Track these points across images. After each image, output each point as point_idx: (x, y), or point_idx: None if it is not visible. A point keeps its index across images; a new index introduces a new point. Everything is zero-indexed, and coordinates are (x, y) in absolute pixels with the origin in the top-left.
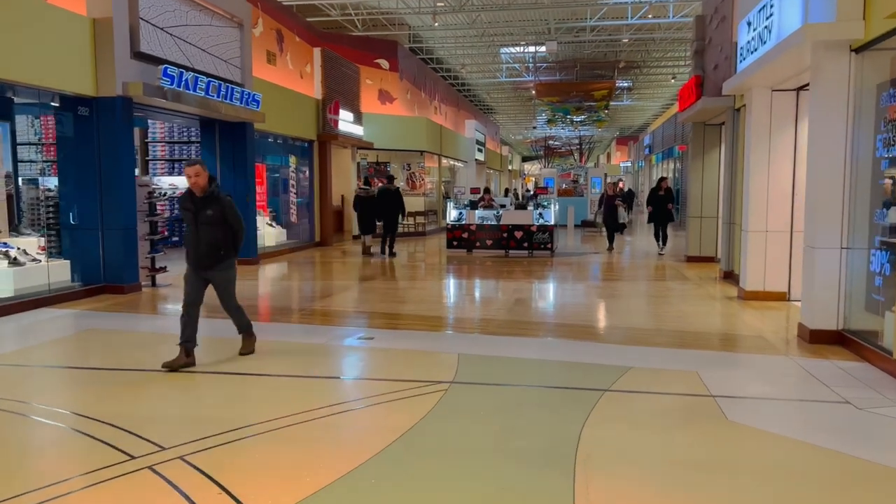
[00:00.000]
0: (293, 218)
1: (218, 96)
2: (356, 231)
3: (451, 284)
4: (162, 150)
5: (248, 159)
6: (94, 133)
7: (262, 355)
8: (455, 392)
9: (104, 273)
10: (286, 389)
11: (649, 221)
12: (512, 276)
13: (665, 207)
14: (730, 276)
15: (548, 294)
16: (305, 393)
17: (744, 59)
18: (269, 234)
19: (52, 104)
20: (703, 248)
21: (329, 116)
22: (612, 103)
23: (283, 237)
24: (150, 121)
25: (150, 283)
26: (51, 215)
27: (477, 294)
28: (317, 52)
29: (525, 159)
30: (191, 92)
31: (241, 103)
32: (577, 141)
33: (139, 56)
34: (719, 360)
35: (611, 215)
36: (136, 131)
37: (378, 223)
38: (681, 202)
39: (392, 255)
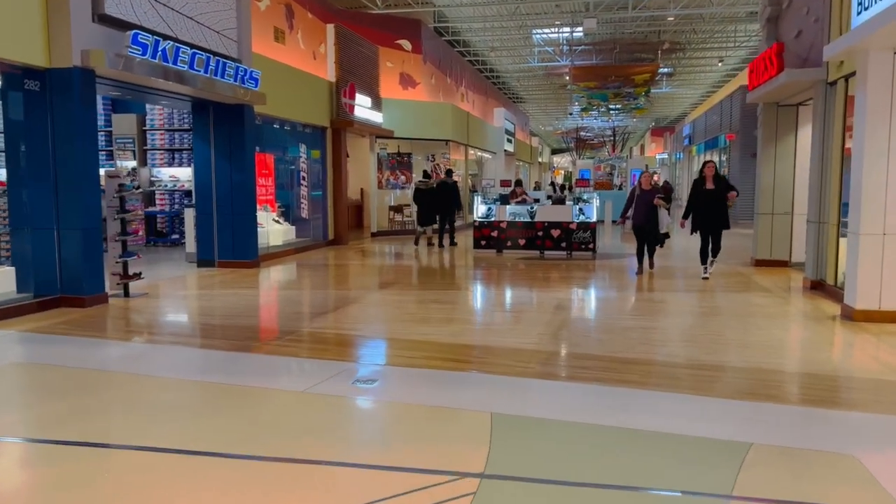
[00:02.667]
0: (304, 213)
1: (206, 72)
2: (375, 227)
3: (479, 296)
4: (161, 139)
5: (246, 147)
6: (47, 112)
7: (198, 411)
8: (487, 501)
9: (61, 282)
10: (188, 480)
11: (694, 230)
12: (551, 285)
13: (717, 206)
14: (819, 287)
15: (598, 311)
16: (231, 489)
17: (864, 10)
18: (274, 231)
19: None
20: (775, 251)
21: (344, 101)
22: (652, 90)
23: (292, 235)
24: (147, 106)
25: (122, 293)
26: None
27: (511, 310)
28: (330, 28)
29: (554, 151)
30: (170, 65)
31: (236, 81)
32: (609, 132)
33: (103, 19)
34: (873, 427)
35: (647, 220)
36: (133, 117)
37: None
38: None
39: (452, 244)
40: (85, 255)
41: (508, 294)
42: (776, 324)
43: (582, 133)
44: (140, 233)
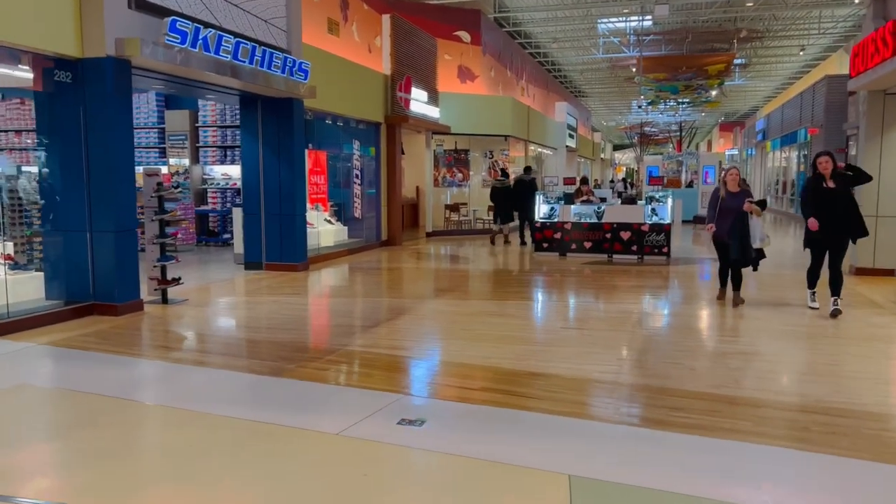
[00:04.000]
0: (357, 213)
1: (251, 62)
2: (431, 227)
3: (542, 307)
4: (213, 136)
5: (295, 143)
6: (79, 106)
7: (205, 464)
8: None
9: (94, 288)
10: None
11: (808, 244)
12: (624, 295)
13: (842, 212)
14: None
15: (684, 330)
16: None
17: None
18: (326, 232)
19: (21, 68)
20: (879, 259)
21: (399, 95)
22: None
23: (344, 236)
24: (200, 101)
25: (161, 300)
26: (25, 215)
27: (580, 326)
28: (385, 19)
29: (616, 148)
30: (211, 54)
31: (284, 73)
32: (675, 127)
33: (140, 5)
34: None
35: (735, 234)
36: (186, 113)
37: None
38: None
39: (522, 244)
40: (118, 259)
41: (576, 305)
42: None
43: (646, 128)
44: (179, 235)
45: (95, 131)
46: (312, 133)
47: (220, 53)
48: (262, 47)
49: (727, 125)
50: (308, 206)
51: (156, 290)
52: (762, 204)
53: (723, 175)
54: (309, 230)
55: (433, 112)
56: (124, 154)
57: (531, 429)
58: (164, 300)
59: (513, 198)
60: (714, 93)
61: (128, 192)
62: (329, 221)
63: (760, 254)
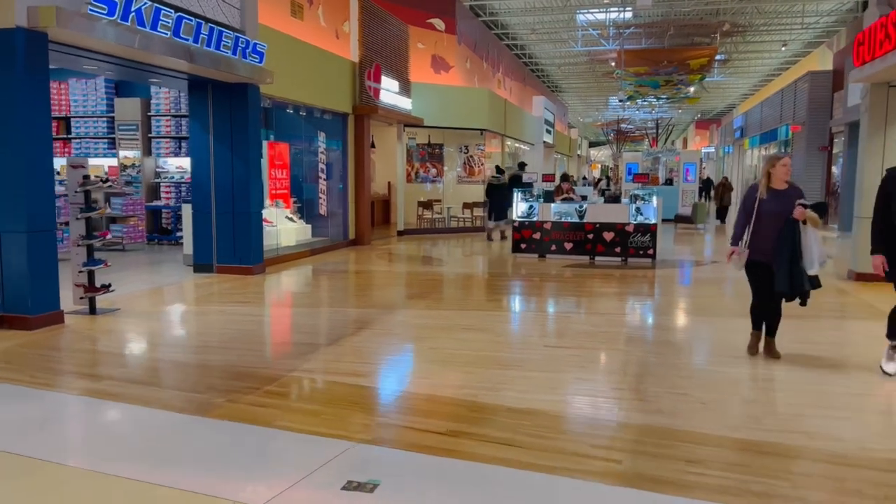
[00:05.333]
0: (322, 210)
1: (196, 41)
2: (402, 225)
3: (522, 320)
4: (167, 126)
5: (250, 133)
6: None
7: None
8: None
9: (3, 298)
10: None
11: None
12: (612, 304)
13: None
14: None
15: (685, 348)
16: None
17: None
18: (286, 231)
19: None
20: None
21: (368, 84)
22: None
23: (307, 235)
24: (153, 89)
25: (88, 310)
26: None
27: (567, 344)
28: (353, 1)
29: (592, 144)
30: (147, 30)
31: (235, 54)
32: (651, 124)
33: None
34: None
35: (784, 252)
36: (137, 101)
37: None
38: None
39: None
40: (32, 264)
41: (559, 317)
42: None
43: (623, 125)
44: (108, 235)
45: (3, 116)
46: (273, 123)
47: (159, 29)
48: (210, 24)
49: (703, 122)
50: (267, 202)
51: (82, 298)
52: (821, 209)
53: (766, 164)
54: (268, 229)
55: (405, 103)
56: (39, 143)
57: (511, 492)
58: (92, 310)
59: (508, 194)
60: (692, 89)
61: (43, 188)
62: (291, 219)
63: (815, 282)
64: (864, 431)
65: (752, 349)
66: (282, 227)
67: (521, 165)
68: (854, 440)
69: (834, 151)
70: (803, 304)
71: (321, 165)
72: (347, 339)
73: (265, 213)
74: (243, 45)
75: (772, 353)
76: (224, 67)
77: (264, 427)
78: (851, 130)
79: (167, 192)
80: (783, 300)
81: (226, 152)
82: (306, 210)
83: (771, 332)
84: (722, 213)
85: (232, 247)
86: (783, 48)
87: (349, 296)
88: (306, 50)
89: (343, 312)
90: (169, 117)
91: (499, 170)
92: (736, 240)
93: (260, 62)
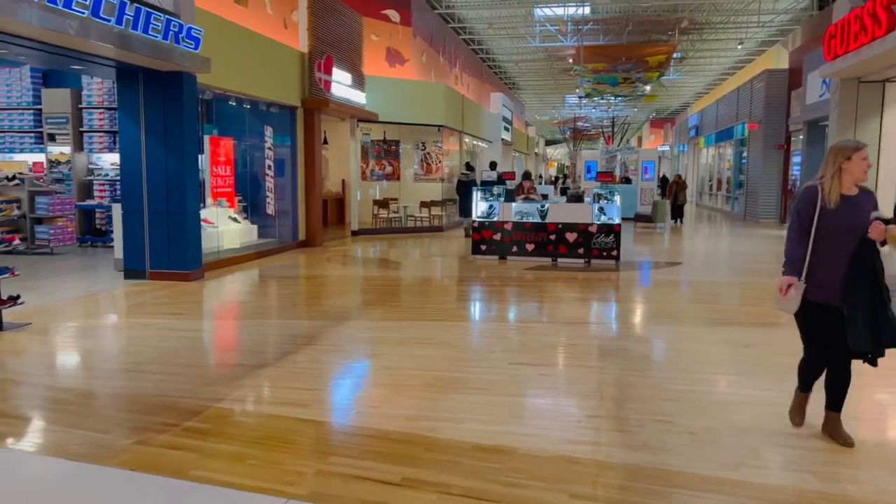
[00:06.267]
0: (269, 209)
1: (119, 22)
2: (357, 225)
3: (483, 331)
4: (100, 119)
5: (185, 126)
6: None
7: None
8: None
9: None
10: None
11: None
12: (578, 310)
13: None
14: None
15: (665, 361)
16: None
17: None
18: (230, 232)
19: None
20: None
21: (318, 76)
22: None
23: (253, 236)
24: (84, 79)
25: None
26: None
27: (532, 360)
28: None
29: (548, 143)
30: (59, 7)
31: (167, 39)
32: (607, 122)
33: None
34: None
35: (865, 283)
36: (67, 93)
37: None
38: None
39: None
40: None
41: (523, 328)
42: None
43: (579, 124)
44: (16, 241)
45: None
46: (215, 116)
47: (73, 7)
48: (137, 5)
49: (658, 121)
50: (209, 201)
51: None
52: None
53: (837, 156)
54: (209, 230)
55: (358, 97)
56: None
57: None
58: None
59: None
60: (649, 87)
61: None
62: (235, 220)
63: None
64: (881, 470)
65: (797, 417)
66: (224, 228)
67: (493, 165)
68: (871, 481)
69: (796, 149)
70: (873, 363)
71: (269, 162)
72: (289, 359)
73: (205, 214)
74: (176, 30)
75: (836, 434)
76: (154, 54)
77: (176, 479)
78: (810, 129)
79: (101, 191)
80: (856, 358)
81: (159, 147)
82: (253, 209)
83: (836, 406)
84: (677, 213)
85: (167, 251)
86: (739, 46)
87: (295, 305)
88: (251, 38)
89: (286, 325)
90: (102, 110)
91: (468, 167)
92: (795, 264)
93: (195, 49)
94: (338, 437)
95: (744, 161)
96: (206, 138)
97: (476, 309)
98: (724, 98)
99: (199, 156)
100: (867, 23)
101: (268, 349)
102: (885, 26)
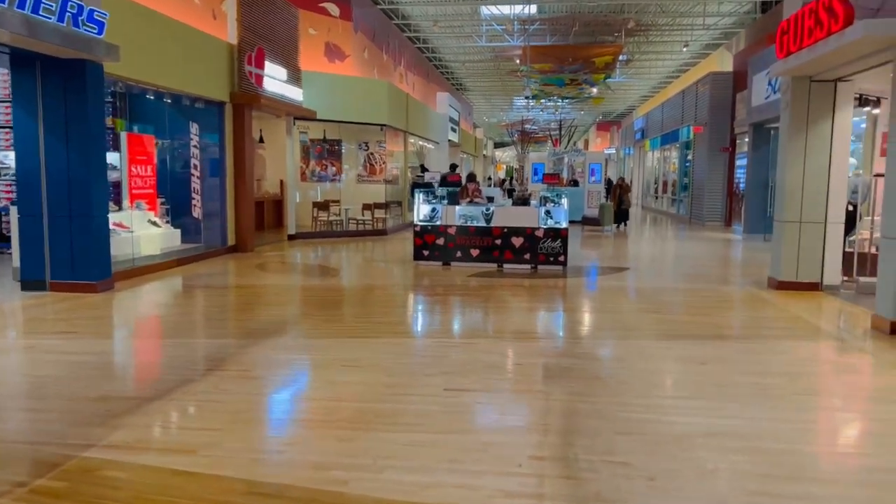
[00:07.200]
0: (195, 212)
1: (3, 2)
2: (294, 229)
3: (417, 349)
4: (6, 113)
5: (90, 120)
6: None
7: None
8: None
9: None
10: None
11: None
12: (523, 322)
13: None
14: None
15: (616, 383)
16: None
17: None
18: (148, 237)
19: None
20: (803, 271)
21: (248, 69)
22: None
23: (176, 241)
24: None
25: None
26: None
27: (469, 383)
28: None
29: (497, 145)
30: None
31: (62, 21)
32: (555, 125)
33: None
34: None
35: None
36: None
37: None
38: (733, 199)
39: None
40: None
41: (464, 345)
42: None
43: (527, 126)
44: None
45: None
46: (133, 112)
47: None
48: None
49: (604, 124)
50: (127, 203)
51: None
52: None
53: None
54: (123, 235)
55: (294, 93)
56: None
57: None
58: None
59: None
60: (595, 89)
61: None
62: (155, 223)
63: None
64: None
65: None
66: (142, 232)
67: (453, 167)
68: None
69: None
70: None
71: (195, 161)
72: (187, 389)
73: (119, 217)
74: (74, 11)
75: None
76: (46, 37)
77: None
78: (756, 131)
79: (7, 192)
80: None
81: (59, 145)
82: (177, 212)
83: None
84: (621, 217)
85: (70, 259)
86: (684, 49)
87: (209, 320)
88: (171, 27)
89: (195, 345)
90: (8, 103)
91: (423, 168)
92: None
93: (99, 34)
94: (222, 498)
95: (688, 164)
96: (124, 135)
97: (414, 322)
98: (669, 101)
99: (115, 154)
100: (823, 17)
101: (167, 376)
102: (841, 20)
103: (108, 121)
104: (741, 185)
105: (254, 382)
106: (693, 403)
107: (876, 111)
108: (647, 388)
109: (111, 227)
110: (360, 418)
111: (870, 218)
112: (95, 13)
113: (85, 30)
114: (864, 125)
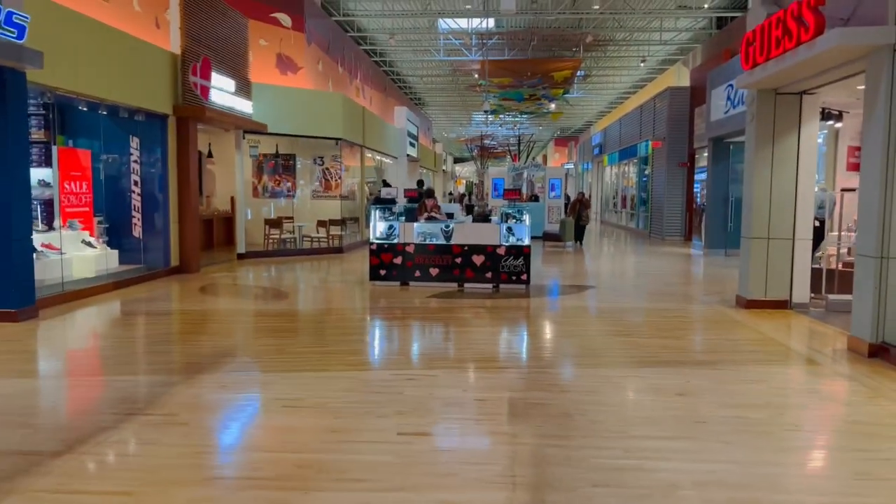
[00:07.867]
0: (135, 231)
1: None
2: (244, 247)
3: (370, 384)
4: None
5: (9, 133)
6: None
7: None
8: None
9: None
10: None
11: None
12: (486, 349)
13: None
14: (883, 354)
15: (588, 415)
16: None
17: None
18: (81, 259)
19: None
20: (771, 289)
21: (193, 80)
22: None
23: (113, 262)
24: None
25: None
26: None
27: (426, 426)
28: None
29: (456, 161)
30: None
31: None
32: (514, 140)
33: None
34: None
35: None
36: None
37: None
38: (695, 213)
39: None
40: None
41: (421, 376)
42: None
43: (486, 141)
44: None
45: None
46: (65, 125)
47: None
48: None
49: (562, 140)
50: (59, 223)
51: None
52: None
53: None
54: (52, 258)
55: (244, 106)
56: None
57: None
58: None
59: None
60: (554, 105)
61: None
62: (89, 244)
63: None
64: None
65: None
66: (75, 254)
67: (420, 183)
68: None
69: (701, 166)
70: None
71: (135, 177)
72: (100, 440)
73: (49, 238)
74: None
75: None
76: None
77: None
78: (715, 145)
79: None
80: None
81: None
82: (115, 232)
83: None
84: (579, 233)
85: None
86: (642, 64)
87: (138, 353)
88: (107, 34)
89: (119, 384)
90: None
91: (385, 183)
92: None
93: (19, 38)
94: None
95: (645, 179)
96: (55, 149)
97: (368, 351)
98: (627, 116)
99: (46, 170)
100: (791, 26)
101: (79, 423)
102: (812, 30)
103: (42, 134)
104: (700, 200)
105: (179, 430)
106: (675, 445)
107: (838, 125)
108: (623, 427)
109: (39, 248)
110: (297, 475)
111: (836, 234)
112: (14, 16)
113: (2, 34)
114: (821, 139)
